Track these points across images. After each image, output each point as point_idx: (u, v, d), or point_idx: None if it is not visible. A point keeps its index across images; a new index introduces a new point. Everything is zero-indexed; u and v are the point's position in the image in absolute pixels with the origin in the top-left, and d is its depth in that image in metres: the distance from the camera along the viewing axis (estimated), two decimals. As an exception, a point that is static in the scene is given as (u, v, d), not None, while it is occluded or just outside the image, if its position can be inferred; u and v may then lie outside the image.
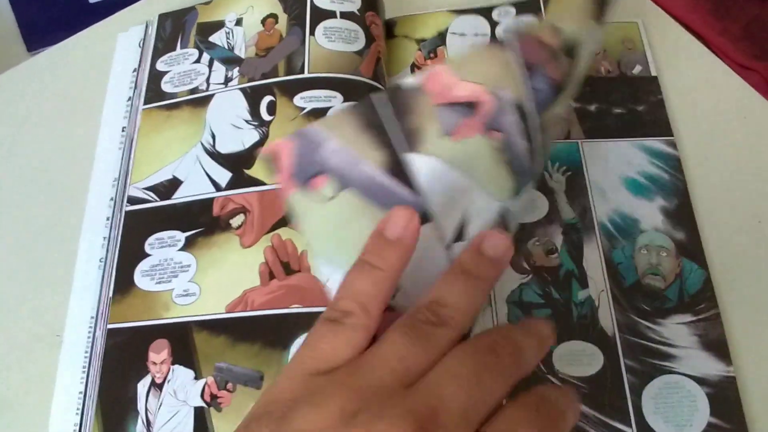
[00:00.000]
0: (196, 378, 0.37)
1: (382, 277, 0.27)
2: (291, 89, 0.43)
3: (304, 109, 0.42)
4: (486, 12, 0.50)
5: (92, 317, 0.40)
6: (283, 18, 0.46)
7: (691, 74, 0.49)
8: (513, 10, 0.50)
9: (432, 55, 0.47)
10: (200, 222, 0.41)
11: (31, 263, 0.43)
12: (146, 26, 0.50)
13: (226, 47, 0.47)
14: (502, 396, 0.25)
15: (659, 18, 0.52)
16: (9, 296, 0.42)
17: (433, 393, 0.24)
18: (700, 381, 0.37)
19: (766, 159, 0.45)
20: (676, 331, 0.39)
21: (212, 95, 0.45)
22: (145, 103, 0.46)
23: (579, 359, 0.38)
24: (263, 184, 0.41)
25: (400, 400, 0.24)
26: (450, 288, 0.28)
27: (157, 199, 0.42)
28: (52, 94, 0.49)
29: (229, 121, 0.43)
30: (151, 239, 0.41)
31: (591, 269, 0.41)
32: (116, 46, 0.50)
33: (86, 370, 0.38)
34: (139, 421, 0.36)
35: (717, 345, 0.38)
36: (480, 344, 0.26)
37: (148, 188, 0.43)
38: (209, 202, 0.41)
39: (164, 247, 0.41)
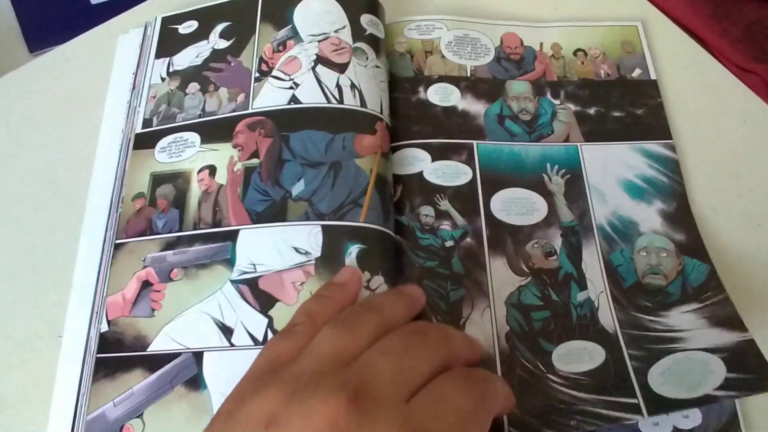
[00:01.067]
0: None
1: (328, 301, 0.34)
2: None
3: None
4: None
5: (90, 318, 0.40)
6: None
7: (690, 77, 0.49)
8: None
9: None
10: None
11: (31, 263, 0.43)
12: (145, 28, 0.50)
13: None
14: (431, 370, 0.28)
15: (659, 21, 0.52)
16: (9, 296, 0.42)
17: (365, 367, 0.27)
18: (712, 350, 0.36)
19: (766, 162, 0.45)
20: (682, 318, 0.38)
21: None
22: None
23: (579, 356, 0.38)
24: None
25: (333, 377, 0.27)
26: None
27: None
28: (54, 96, 0.49)
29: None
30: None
31: (590, 271, 0.41)
32: (117, 48, 0.50)
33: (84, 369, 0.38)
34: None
35: (728, 321, 0.38)
36: (408, 327, 0.31)
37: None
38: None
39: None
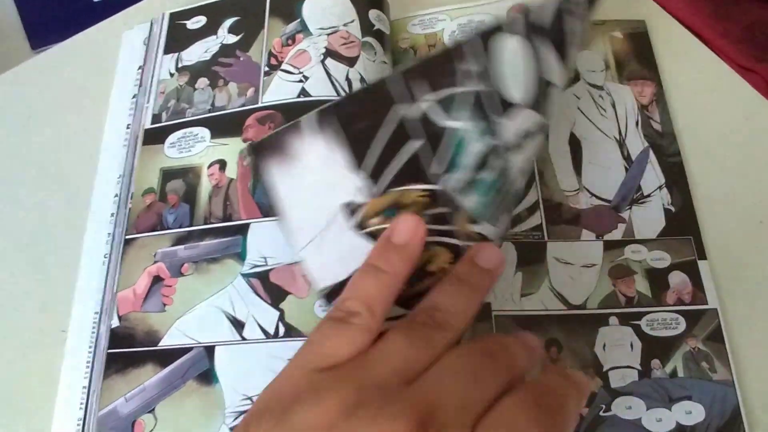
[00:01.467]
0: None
1: (387, 280, 0.29)
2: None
3: None
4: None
5: (96, 312, 0.40)
6: None
7: (693, 76, 0.49)
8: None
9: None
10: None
11: (37, 259, 0.43)
12: (151, 24, 0.50)
13: None
14: (498, 393, 0.26)
15: (662, 20, 0.52)
16: (14, 291, 0.42)
17: (432, 389, 0.25)
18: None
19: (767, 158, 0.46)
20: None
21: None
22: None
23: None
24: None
25: (400, 396, 0.24)
26: (446, 295, 0.30)
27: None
28: (58, 92, 0.49)
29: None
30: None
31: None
32: (121, 44, 0.50)
33: (90, 365, 0.38)
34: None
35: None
36: (476, 346, 0.28)
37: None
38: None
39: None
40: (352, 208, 0.32)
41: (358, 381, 0.25)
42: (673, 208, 0.43)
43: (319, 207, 0.33)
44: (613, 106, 0.47)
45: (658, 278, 0.40)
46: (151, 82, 0.47)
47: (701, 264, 0.41)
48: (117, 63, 0.50)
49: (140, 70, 0.48)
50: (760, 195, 0.44)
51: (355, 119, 0.33)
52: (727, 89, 0.49)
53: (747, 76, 0.53)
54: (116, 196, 0.44)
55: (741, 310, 0.40)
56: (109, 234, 0.42)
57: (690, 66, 0.49)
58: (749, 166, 0.45)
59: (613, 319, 0.39)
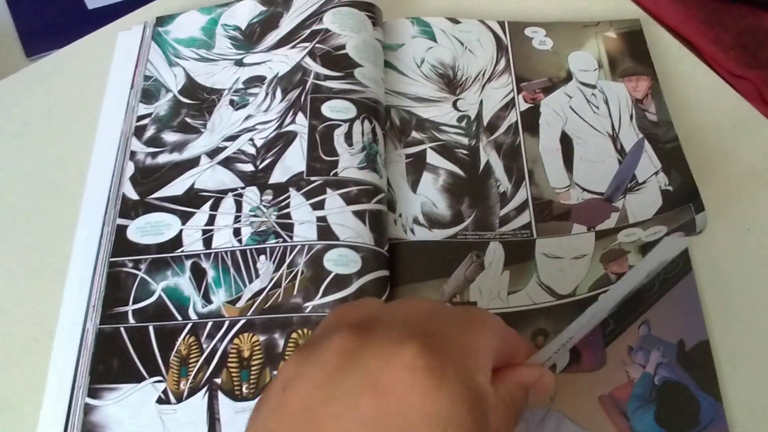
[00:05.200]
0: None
1: None
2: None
3: None
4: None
5: (83, 320, 0.39)
6: None
7: (682, 84, 0.49)
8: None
9: None
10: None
11: (27, 265, 0.42)
12: (144, 28, 0.50)
13: None
14: (490, 355, 0.26)
15: (652, 28, 0.52)
16: (4, 296, 0.41)
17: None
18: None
19: (756, 168, 0.46)
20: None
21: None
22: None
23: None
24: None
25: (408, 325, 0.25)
26: None
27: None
28: (51, 101, 0.49)
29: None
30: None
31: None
32: (115, 48, 0.50)
33: (75, 372, 0.38)
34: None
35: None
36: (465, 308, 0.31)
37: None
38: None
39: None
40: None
41: (368, 322, 0.25)
42: (671, 188, 0.43)
43: None
44: (606, 102, 0.47)
45: (651, 246, 0.40)
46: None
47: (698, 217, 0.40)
48: (111, 67, 0.50)
49: (134, 73, 0.48)
50: (749, 203, 0.44)
51: None
52: (716, 98, 0.49)
53: (738, 83, 0.54)
54: (107, 199, 0.43)
55: (727, 321, 0.39)
56: (98, 242, 0.42)
57: (680, 75, 0.50)
58: (738, 173, 0.45)
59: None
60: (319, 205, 0.40)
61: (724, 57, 0.55)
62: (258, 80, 0.47)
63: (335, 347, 0.24)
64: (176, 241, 0.41)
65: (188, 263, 0.40)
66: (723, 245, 0.42)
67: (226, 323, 0.38)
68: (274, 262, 0.39)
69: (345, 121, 0.43)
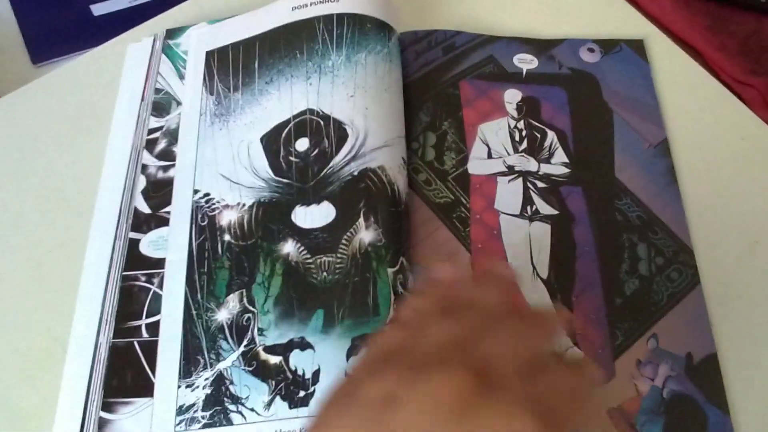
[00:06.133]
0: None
1: (431, 297, 0.32)
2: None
3: None
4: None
5: (96, 334, 0.40)
6: None
7: (689, 95, 0.49)
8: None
9: None
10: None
11: (39, 277, 0.43)
12: (154, 39, 0.50)
13: None
14: (540, 353, 0.28)
15: (659, 40, 0.52)
16: (16, 310, 0.42)
17: (483, 348, 0.26)
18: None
19: (763, 179, 0.46)
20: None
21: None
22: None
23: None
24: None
25: (452, 355, 0.26)
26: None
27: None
28: (62, 112, 0.49)
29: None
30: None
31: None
32: (125, 61, 0.50)
33: (88, 382, 0.38)
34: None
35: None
36: (512, 317, 0.30)
37: None
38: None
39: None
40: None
41: (410, 355, 0.27)
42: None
43: None
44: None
45: None
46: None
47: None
48: (121, 79, 0.49)
49: (144, 86, 0.48)
50: (756, 215, 0.44)
51: None
52: (723, 109, 0.49)
53: (743, 90, 0.54)
54: (118, 214, 0.44)
55: (732, 341, 0.40)
56: (110, 252, 0.42)
57: (687, 86, 0.50)
58: (745, 185, 0.45)
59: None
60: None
61: (728, 63, 0.55)
62: None
63: (452, 388, 0.24)
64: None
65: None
66: (730, 259, 0.42)
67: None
68: None
69: None
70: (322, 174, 0.42)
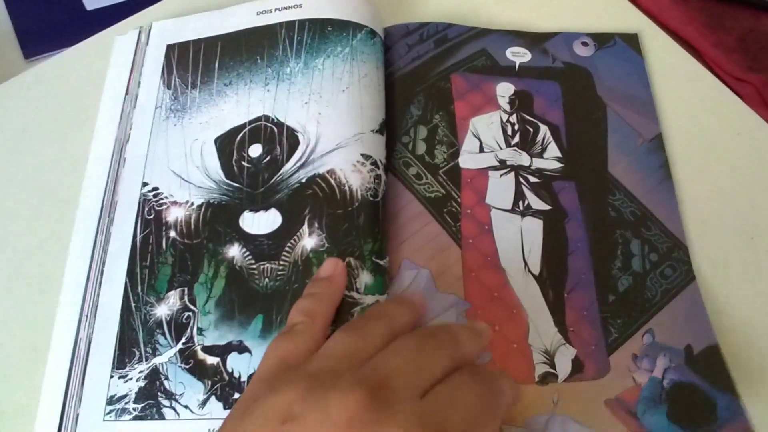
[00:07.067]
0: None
1: (320, 297, 0.35)
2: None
3: None
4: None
5: (75, 330, 0.39)
6: None
7: (685, 91, 0.49)
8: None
9: None
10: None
11: (25, 272, 0.42)
12: (139, 32, 0.50)
13: None
14: (443, 370, 0.28)
15: (654, 34, 0.52)
16: (1, 305, 0.41)
17: (380, 366, 0.27)
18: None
19: (759, 175, 0.45)
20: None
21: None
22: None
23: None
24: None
25: (350, 375, 0.27)
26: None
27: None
28: (49, 105, 0.49)
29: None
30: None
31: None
32: (111, 54, 0.50)
33: (67, 381, 0.38)
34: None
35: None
36: (420, 331, 0.31)
37: None
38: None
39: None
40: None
41: (310, 371, 0.28)
42: None
43: None
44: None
45: None
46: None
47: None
48: (107, 73, 0.49)
49: (128, 80, 0.48)
50: (752, 211, 0.43)
51: None
52: (719, 104, 0.48)
53: (740, 87, 0.53)
54: (101, 206, 0.43)
55: (728, 334, 0.39)
56: (91, 248, 0.42)
57: (683, 81, 0.49)
58: (741, 181, 0.45)
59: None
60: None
61: (725, 60, 0.55)
62: None
63: (347, 407, 0.25)
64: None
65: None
66: (726, 254, 0.42)
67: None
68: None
69: None
70: (272, 181, 0.42)
